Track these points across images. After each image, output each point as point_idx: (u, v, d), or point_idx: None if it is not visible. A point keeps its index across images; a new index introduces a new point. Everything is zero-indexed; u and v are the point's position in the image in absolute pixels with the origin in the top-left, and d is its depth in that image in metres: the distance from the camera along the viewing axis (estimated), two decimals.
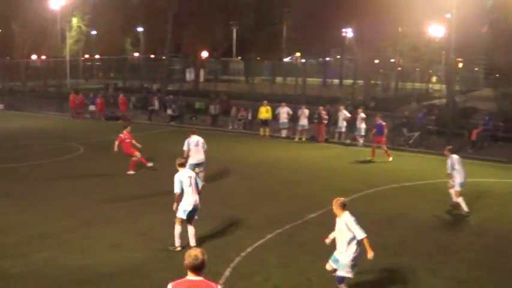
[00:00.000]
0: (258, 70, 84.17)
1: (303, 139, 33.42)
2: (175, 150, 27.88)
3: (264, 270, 12.74)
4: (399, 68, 67.02)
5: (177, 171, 14.01)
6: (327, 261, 11.19)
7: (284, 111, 34.05)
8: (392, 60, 73.89)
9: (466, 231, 16.33)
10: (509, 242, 15.43)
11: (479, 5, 42.64)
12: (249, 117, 38.43)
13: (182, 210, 13.74)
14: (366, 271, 12.21)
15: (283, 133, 34.42)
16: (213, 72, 76.87)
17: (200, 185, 14.17)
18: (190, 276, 6.71)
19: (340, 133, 33.23)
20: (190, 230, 13.92)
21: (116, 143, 22.67)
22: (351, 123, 32.92)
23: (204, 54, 77.79)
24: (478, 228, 16.69)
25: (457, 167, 17.97)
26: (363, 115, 31.59)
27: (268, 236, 15.01)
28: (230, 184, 21.20)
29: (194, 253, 6.74)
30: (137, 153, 22.81)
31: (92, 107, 43.21)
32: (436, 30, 43.76)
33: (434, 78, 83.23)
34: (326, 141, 33.09)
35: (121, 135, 22.70)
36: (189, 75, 74.92)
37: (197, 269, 6.69)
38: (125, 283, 12.03)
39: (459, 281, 12.56)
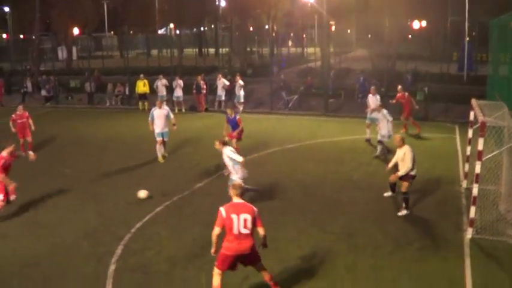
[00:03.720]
0: (132, 44, 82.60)
1: (183, 110, 33.14)
2: (52, 132, 26.98)
3: (155, 244, 12.52)
4: (274, 34, 67.85)
5: None
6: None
7: (162, 84, 33.57)
8: (266, 26, 74.73)
9: (349, 187, 16.79)
10: None
11: None
12: (127, 92, 37.57)
13: None
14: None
15: None
16: (86, 49, 74.65)
17: None
18: (236, 200, 9.51)
19: (220, 102, 33.25)
20: None
21: (10, 123, 21.76)
22: (230, 91, 33.07)
23: (76, 31, 75.37)
24: (360, 183, 17.23)
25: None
26: (241, 82, 31.78)
27: (157, 210, 14.79)
28: (112, 162, 20.56)
29: (238, 184, 10.02)
30: (28, 138, 21.78)
31: None
32: None
33: (290, 43, 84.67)
34: (206, 110, 33.00)
35: (13, 115, 21.79)
36: (62, 53, 72.42)
37: (240, 195, 9.54)
38: None
39: (348, 234, 12.88)
